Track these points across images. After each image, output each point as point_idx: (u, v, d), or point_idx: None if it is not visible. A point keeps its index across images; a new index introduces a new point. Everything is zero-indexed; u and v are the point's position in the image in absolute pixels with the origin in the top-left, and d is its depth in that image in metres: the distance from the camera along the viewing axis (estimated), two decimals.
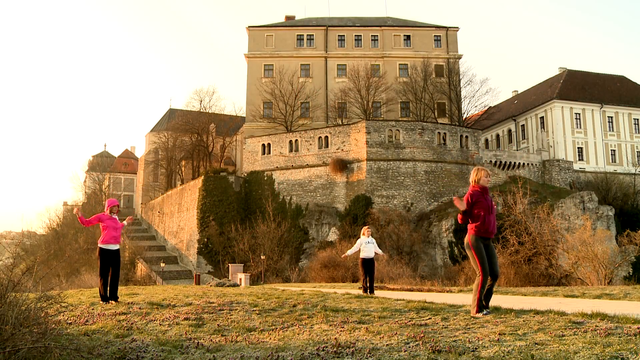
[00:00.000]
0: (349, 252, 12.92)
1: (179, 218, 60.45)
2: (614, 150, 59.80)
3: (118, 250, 9.70)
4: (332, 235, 46.68)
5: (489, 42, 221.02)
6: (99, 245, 9.53)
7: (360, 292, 12.17)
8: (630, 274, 30.02)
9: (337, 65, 61.16)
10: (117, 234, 9.64)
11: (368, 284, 12.08)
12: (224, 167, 62.16)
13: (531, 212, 28.84)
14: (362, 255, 12.35)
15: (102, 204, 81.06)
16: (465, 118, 59.24)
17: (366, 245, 12.36)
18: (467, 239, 6.76)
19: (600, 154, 58.88)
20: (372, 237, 12.65)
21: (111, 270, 9.49)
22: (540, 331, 5.13)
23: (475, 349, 4.38)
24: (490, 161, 52.21)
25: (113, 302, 9.18)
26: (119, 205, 10.09)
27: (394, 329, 5.68)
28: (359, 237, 12.92)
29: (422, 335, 5.12)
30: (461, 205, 6.55)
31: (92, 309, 8.17)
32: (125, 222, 10.37)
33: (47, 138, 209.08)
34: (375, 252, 12.51)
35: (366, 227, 13.06)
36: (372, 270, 12.39)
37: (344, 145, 50.14)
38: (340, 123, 55.22)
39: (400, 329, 5.69)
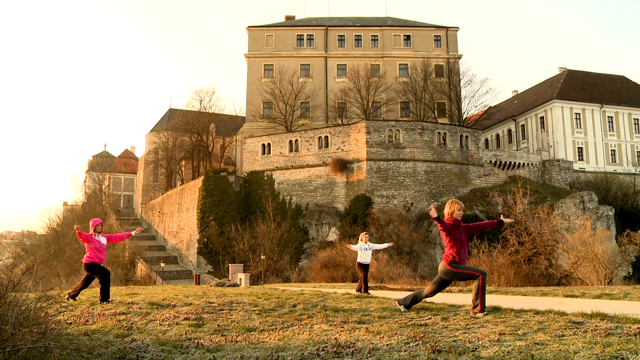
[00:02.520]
0: (352, 246, 13.67)
1: (179, 218, 60.45)
2: (614, 150, 59.79)
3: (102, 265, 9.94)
4: (332, 235, 46.68)
5: (489, 42, 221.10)
6: (84, 262, 9.71)
7: (359, 292, 12.53)
8: (630, 274, 29.98)
9: (337, 65, 61.15)
10: (101, 255, 9.80)
11: (363, 285, 12.81)
12: (224, 167, 62.15)
13: (531, 212, 28.82)
14: (360, 260, 13.12)
15: (102, 204, 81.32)
16: (465, 118, 59.23)
17: (364, 252, 13.10)
18: (447, 267, 6.91)
19: (600, 154, 58.88)
20: (369, 242, 13.34)
21: (101, 278, 9.59)
22: (540, 331, 5.13)
23: (475, 349, 4.38)
24: (490, 161, 52.21)
25: (106, 303, 9.19)
26: (103, 224, 10.25)
27: (394, 329, 5.68)
28: (358, 238, 13.63)
29: (422, 335, 5.12)
30: (433, 213, 6.70)
31: (92, 309, 8.16)
32: (133, 233, 11.02)
33: (47, 138, 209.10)
34: (375, 250, 13.25)
35: (364, 233, 13.74)
36: (367, 273, 13.25)
37: (344, 145, 50.14)
38: (340, 123, 55.21)
39: (400, 329, 5.69)
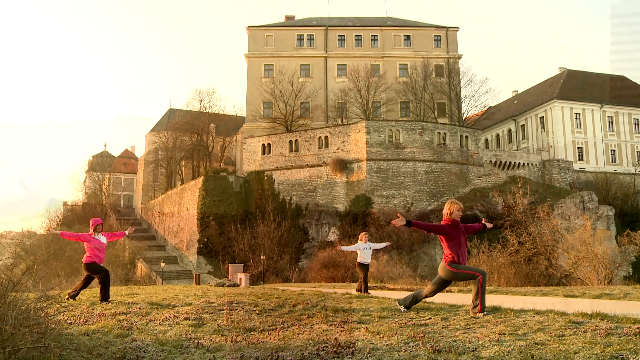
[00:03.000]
0: (345, 247, 14.13)
1: (179, 218, 60.41)
2: (614, 150, 59.79)
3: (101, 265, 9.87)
4: (332, 235, 46.68)
5: (489, 42, 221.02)
6: (84, 262, 9.64)
7: (359, 292, 12.52)
8: (630, 274, 29.99)
9: (337, 65, 61.12)
10: (101, 254, 9.72)
11: (363, 285, 12.78)
12: (224, 167, 62.13)
13: (531, 212, 28.83)
14: (360, 260, 13.09)
15: (102, 204, 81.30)
16: (465, 118, 59.22)
17: (364, 252, 13.05)
18: (447, 268, 6.84)
19: (600, 154, 58.87)
20: (369, 241, 13.35)
21: (100, 278, 9.54)
22: (540, 331, 5.13)
23: (475, 349, 4.38)
24: (490, 161, 52.20)
25: (105, 303, 9.16)
26: (103, 223, 10.18)
27: (394, 329, 5.68)
28: (358, 238, 13.60)
29: (422, 335, 5.12)
30: (399, 222, 6.53)
31: (92, 309, 8.16)
32: (127, 232, 11.13)
33: (47, 138, 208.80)
34: (374, 250, 13.57)
35: (363, 233, 13.77)
36: (367, 273, 13.24)
37: (344, 145, 50.13)
38: (340, 123, 55.20)
39: (400, 329, 5.69)
